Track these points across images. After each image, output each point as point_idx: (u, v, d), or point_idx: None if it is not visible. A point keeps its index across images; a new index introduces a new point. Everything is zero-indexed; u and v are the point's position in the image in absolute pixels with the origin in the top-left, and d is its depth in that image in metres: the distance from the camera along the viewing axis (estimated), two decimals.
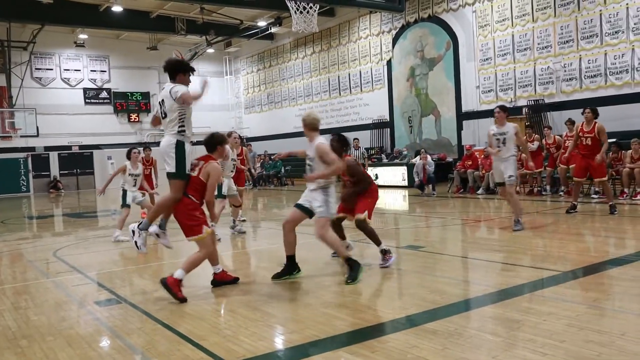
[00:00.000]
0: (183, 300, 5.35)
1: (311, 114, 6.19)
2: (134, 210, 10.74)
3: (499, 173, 8.98)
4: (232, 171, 9.74)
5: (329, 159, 5.80)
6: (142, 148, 11.31)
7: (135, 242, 5.83)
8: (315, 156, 5.91)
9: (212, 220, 6.15)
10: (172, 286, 5.36)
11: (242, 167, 11.12)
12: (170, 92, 5.60)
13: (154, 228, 5.79)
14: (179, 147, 5.63)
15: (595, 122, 10.01)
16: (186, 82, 5.77)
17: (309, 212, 5.97)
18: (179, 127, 5.68)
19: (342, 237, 6.72)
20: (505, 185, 8.86)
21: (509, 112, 9.25)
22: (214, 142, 6.00)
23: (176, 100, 5.57)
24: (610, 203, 10.13)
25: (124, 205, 10.26)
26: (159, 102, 5.78)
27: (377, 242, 6.52)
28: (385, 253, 6.48)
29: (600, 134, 9.91)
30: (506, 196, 9.10)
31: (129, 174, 10.25)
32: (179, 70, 5.77)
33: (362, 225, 6.44)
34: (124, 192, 10.24)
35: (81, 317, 5.19)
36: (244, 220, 11.59)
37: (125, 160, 10.40)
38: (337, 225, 6.60)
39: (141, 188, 10.85)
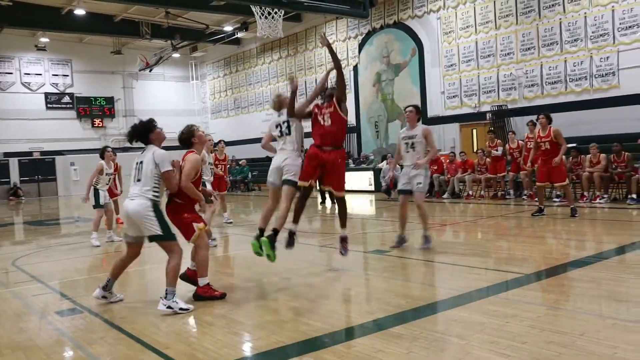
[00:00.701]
0: (224, 295, 5.54)
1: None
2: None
3: (405, 180, 7.81)
4: (211, 176, 9.74)
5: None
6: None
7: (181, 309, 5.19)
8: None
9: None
10: (206, 293, 5.51)
11: (221, 173, 11.52)
12: (154, 156, 5.31)
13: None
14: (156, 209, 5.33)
15: (550, 127, 10.28)
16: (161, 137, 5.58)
17: (295, 184, 6.27)
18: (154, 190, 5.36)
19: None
20: (408, 194, 7.84)
21: (421, 114, 8.16)
22: (187, 137, 5.85)
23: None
24: (572, 206, 10.39)
25: (97, 205, 10.22)
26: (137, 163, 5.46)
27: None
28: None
29: (557, 138, 10.17)
30: (406, 206, 7.94)
31: (106, 173, 10.32)
32: (149, 130, 5.48)
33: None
34: (96, 192, 10.18)
35: (41, 328, 5.05)
36: (230, 222, 12.26)
37: (100, 160, 10.43)
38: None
39: (109, 192, 10.78)
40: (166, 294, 5.17)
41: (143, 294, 6.15)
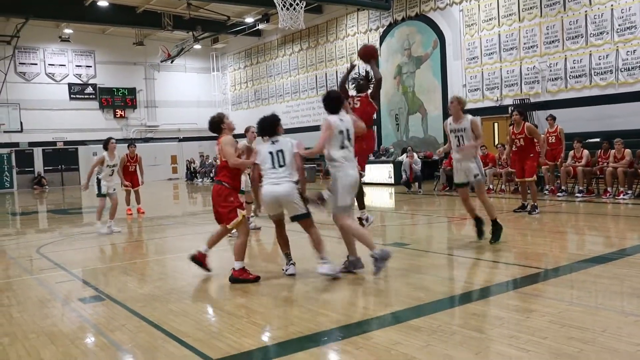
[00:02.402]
0: (257, 278, 5.85)
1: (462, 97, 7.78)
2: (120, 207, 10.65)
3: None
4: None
5: (478, 132, 7.28)
6: (127, 143, 11.62)
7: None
8: (469, 127, 7.23)
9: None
10: (241, 275, 5.81)
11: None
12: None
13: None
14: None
15: (525, 123, 10.24)
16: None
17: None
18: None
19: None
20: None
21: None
22: (217, 122, 6.19)
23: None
24: (534, 204, 10.24)
25: (100, 194, 10.43)
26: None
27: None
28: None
29: (532, 134, 10.17)
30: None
31: (107, 165, 10.41)
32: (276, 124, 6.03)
33: None
34: (99, 181, 10.39)
35: (65, 314, 5.15)
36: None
37: (103, 152, 10.58)
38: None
39: (129, 182, 11.05)
40: (323, 260, 5.76)
41: (163, 282, 6.22)
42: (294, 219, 5.86)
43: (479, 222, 7.54)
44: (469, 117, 7.40)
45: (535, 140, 10.31)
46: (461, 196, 7.61)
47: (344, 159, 5.80)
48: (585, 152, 13.06)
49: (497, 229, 7.39)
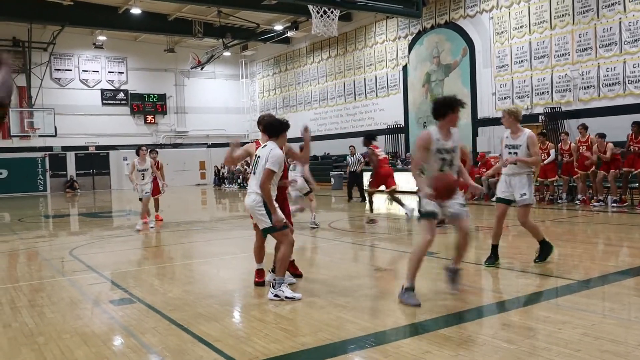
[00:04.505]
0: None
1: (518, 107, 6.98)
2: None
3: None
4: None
5: (535, 150, 6.44)
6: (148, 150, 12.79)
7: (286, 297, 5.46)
8: (525, 144, 6.39)
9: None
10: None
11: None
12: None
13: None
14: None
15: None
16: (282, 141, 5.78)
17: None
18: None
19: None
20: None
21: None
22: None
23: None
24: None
25: (139, 198, 12.02)
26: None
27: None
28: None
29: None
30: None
31: (137, 169, 11.88)
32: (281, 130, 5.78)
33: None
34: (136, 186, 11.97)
35: (96, 315, 5.24)
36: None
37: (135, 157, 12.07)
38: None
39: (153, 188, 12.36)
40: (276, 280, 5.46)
41: (192, 286, 6.29)
42: (262, 232, 5.62)
43: (495, 250, 6.77)
44: (527, 132, 6.53)
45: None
46: (498, 212, 6.76)
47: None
48: (610, 144, 12.69)
49: (546, 248, 6.71)
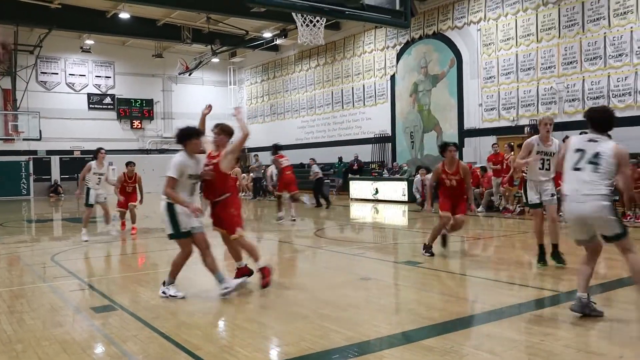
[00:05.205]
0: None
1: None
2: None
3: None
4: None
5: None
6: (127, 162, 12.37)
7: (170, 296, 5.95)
8: (557, 151, 6.78)
9: None
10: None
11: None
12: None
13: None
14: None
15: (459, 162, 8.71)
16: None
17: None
18: None
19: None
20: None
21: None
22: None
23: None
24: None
25: (87, 204, 11.03)
26: None
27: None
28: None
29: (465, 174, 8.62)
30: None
31: (93, 173, 11.03)
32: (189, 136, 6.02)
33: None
34: (88, 190, 10.98)
35: (77, 322, 5.17)
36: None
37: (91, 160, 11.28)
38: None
39: (124, 201, 11.79)
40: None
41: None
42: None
43: (542, 249, 7.26)
44: (556, 141, 7.05)
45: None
46: (537, 218, 7.29)
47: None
48: None
49: (558, 253, 7.26)
